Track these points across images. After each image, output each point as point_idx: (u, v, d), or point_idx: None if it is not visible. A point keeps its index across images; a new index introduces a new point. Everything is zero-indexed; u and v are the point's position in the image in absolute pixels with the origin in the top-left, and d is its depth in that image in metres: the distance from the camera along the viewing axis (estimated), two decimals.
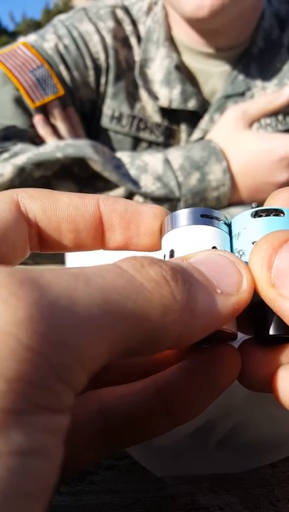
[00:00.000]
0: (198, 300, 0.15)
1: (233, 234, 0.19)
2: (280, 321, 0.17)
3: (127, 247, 0.21)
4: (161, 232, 0.20)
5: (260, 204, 0.70)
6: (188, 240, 0.18)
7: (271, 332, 0.17)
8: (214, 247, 0.18)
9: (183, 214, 0.19)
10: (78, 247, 0.20)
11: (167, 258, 0.19)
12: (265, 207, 0.18)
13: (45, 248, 0.20)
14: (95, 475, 0.26)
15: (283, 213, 0.18)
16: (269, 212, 0.18)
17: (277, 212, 0.18)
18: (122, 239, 0.20)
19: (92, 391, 0.19)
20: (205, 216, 0.19)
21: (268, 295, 0.16)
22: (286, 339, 0.18)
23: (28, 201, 0.20)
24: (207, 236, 0.18)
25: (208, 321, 0.15)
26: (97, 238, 0.20)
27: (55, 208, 0.20)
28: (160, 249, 0.20)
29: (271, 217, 0.18)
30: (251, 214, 0.18)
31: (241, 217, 0.19)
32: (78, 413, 0.18)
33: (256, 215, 0.18)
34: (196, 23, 0.68)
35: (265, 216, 0.18)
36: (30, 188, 0.20)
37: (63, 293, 0.12)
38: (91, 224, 0.20)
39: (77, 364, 0.12)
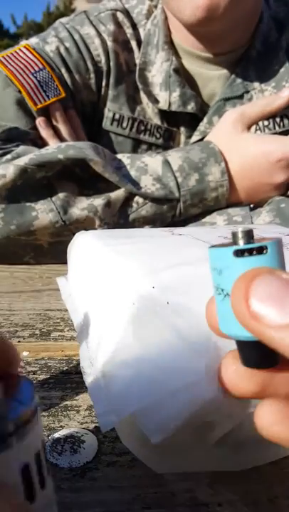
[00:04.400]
0: None
1: (213, 267, 0.18)
2: (267, 352, 0.17)
3: None
4: None
5: (259, 205, 0.70)
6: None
7: (260, 365, 0.18)
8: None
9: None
10: None
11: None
12: (247, 245, 0.18)
13: None
14: (95, 471, 0.26)
15: (266, 249, 0.17)
16: (251, 251, 0.17)
17: (261, 249, 0.17)
18: None
19: None
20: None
21: (254, 328, 0.16)
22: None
23: None
24: None
25: None
26: None
27: None
28: None
29: (255, 257, 0.17)
30: (234, 252, 0.18)
31: (222, 254, 0.18)
32: None
33: (238, 252, 0.18)
34: (195, 28, 0.69)
35: (249, 256, 0.17)
36: None
37: None
38: None
39: None
